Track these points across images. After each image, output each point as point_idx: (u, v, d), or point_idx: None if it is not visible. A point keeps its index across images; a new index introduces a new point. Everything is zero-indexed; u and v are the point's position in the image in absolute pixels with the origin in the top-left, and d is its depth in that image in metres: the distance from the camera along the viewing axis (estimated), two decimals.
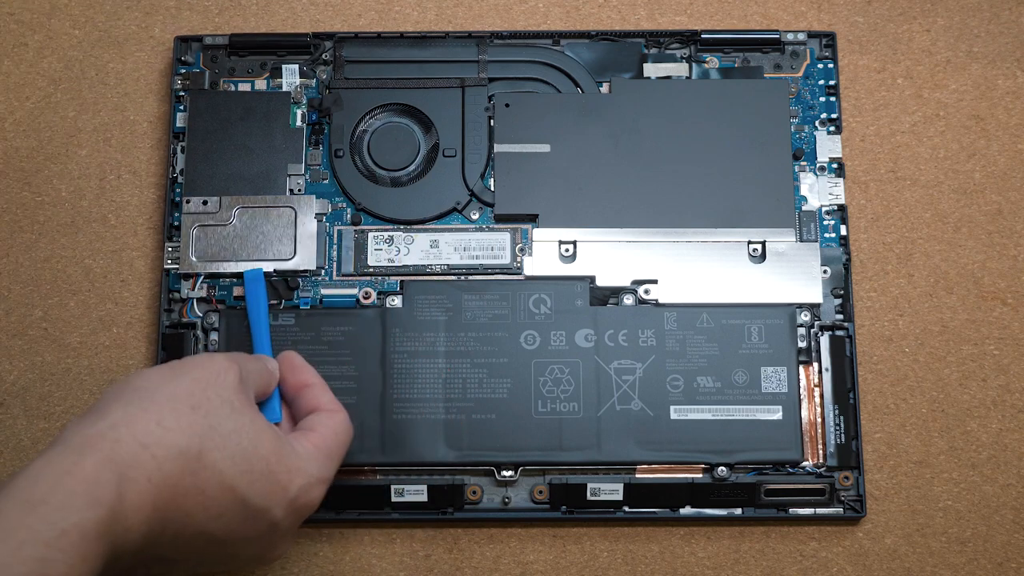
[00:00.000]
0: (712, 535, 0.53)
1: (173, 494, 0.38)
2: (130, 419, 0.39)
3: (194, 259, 0.54)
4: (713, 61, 0.58)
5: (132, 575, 0.41)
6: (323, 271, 0.55)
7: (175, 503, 0.39)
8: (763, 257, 0.55)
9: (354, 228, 0.55)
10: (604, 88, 0.57)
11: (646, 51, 0.58)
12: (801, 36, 0.58)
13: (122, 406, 0.39)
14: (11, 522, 0.34)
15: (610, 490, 0.52)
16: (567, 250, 0.55)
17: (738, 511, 0.53)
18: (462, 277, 0.55)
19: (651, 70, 0.57)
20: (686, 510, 0.53)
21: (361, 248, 0.55)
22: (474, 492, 0.53)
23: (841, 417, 0.53)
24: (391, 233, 0.55)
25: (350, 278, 0.55)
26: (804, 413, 0.53)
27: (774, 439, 0.52)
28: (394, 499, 0.52)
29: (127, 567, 0.39)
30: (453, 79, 0.57)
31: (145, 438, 0.38)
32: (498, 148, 0.56)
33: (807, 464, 0.53)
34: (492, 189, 0.56)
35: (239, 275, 0.54)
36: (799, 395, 0.53)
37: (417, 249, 0.55)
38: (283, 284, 0.54)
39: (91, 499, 0.36)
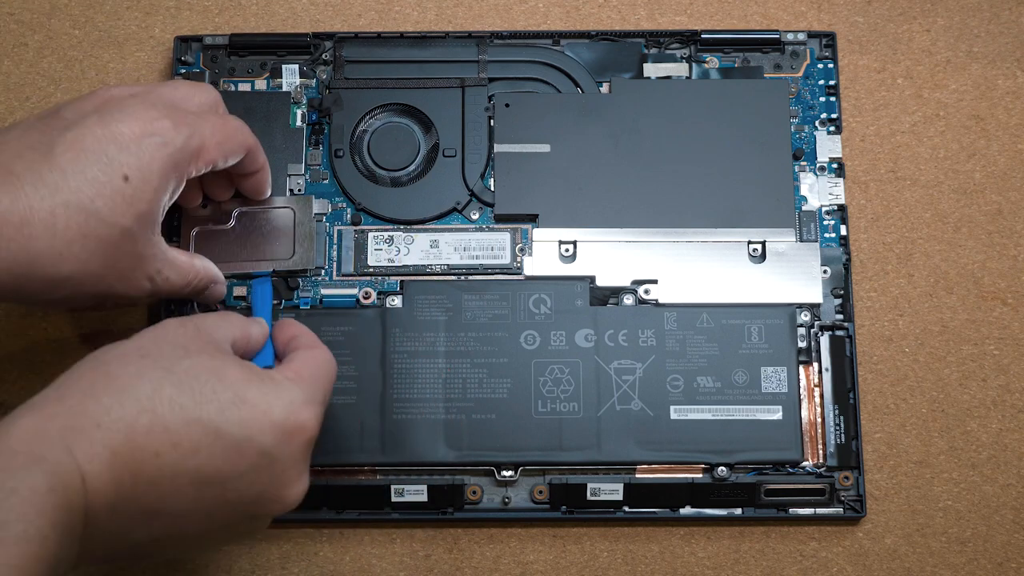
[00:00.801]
0: (712, 535, 0.53)
1: (130, 436, 0.38)
2: (76, 380, 0.39)
3: None
4: (713, 61, 0.58)
5: (130, 537, 0.40)
6: (323, 271, 0.55)
7: (136, 444, 0.38)
8: (763, 257, 0.55)
9: (354, 228, 0.55)
10: (604, 88, 0.57)
11: (646, 51, 0.58)
12: (801, 36, 0.58)
13: (71, 373, 0.40)
14: None
15: (610, 490, 0.52)
16: (567, 250, 0.55)
17: (738, 511, 0.53)
18: (462, 277, 0.55)
19: (651, 70, 0.57)
20: (686, 510, 0.53)
21: (361, 248, 0.55)
22: (474, 492, 0.52)
23: (841, 417, 0.53)
24: (391, 233, 0.55)
25: (350, 278, 0.55)
26: (804, 413, 0.53)
27: (774, 439, 0.52)
28: (394, 499, 0.52)
29: (118, 529, 0.38)
30: (453, 79, 0.57)
31: (90, 389, 0.38)
32: (498, 148, 0.56)
33: (807, 464, 0.53)
34: (492, 189, 0.56)
35: (239, 276, 0.54)
36: (799, 395, 0.53)
37: (417, 249, 0.55)
38: (283, 284, 0.54)
39: (32, 456, 0.35)
